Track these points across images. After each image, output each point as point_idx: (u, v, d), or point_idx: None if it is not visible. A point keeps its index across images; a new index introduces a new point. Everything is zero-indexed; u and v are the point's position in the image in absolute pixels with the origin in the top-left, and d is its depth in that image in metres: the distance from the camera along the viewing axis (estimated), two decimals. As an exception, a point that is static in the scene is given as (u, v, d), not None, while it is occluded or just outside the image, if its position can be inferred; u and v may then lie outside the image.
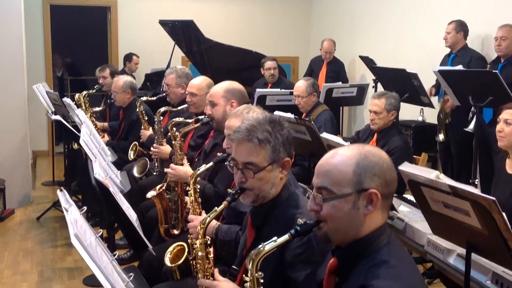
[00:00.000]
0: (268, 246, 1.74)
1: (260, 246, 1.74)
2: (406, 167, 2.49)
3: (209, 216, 2.28)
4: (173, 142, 3.67)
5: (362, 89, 6.99)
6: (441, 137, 5.50)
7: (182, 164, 3.50)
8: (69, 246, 4.91)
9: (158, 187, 3.44)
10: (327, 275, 1.73)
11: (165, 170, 3.48)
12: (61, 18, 9.29)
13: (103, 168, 3.20)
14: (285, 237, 1.72)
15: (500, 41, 5.06)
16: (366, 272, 1.59)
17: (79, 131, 4.80)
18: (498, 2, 5.58)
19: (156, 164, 4.40)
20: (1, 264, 4.54)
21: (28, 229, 5.39)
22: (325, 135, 3.79)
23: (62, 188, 2.26)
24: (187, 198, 3.36)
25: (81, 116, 4.33)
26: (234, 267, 2.30)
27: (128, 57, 8.43)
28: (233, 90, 3.53)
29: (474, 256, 2.42)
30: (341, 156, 1.67)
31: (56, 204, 5.75)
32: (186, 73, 4.81)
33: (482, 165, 4.94)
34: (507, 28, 5.04)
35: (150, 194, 3.40)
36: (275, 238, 1.74)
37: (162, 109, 4.36)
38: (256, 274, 1.76)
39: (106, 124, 5.90)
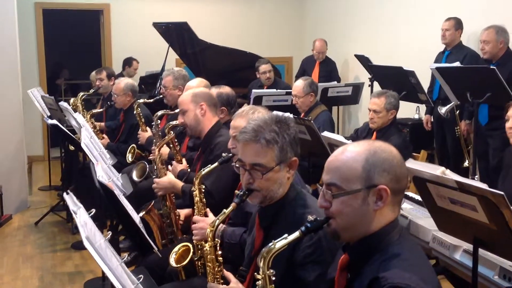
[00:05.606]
0: (279, 243, 1.71)
1: (271, 243, 1.72)
2: (411, 163, 2.50)
3: (218, 219, 2.27)
4: (170, 148, 3.66)
5: (357, 88, 7.01)
6: (466, 163, 5.20)
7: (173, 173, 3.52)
8: (69, 250, 4.89)
9: (146, 204, 3.35)
10: (339, 271, 1.72)
11: (153, 186, 3.46)
12: (53, 23, 9.24)
13: (105, 171, 3.19)
14: (296, 234, 1.70)
15: (484, 45, 4.91)
16: (378, 265, 1.59)
17: (75, 134, 4.79)
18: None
19: (155, 167, 4.39)
20: (1, 270, 4.51)
21: (26, 234, 5.35)
22: (326, 133, 3.79)
23: (69, 191, 2.24)
24: (179, 210, 3.37)
25: (80, 120, 4.30)
26: (242, 268, 2.29)
27: (128, 62, 8.25)
28: (200, 93, 3.54)
29: (480, 251, 2.41)
30: (351, 153, 1.67)
31: (54, 209, 5.72)
32: (183, 75, 4.83)
33: (480, 161, 4.96)
34: (488, 31, 4.88)
35: (140, 214, 3.27)
36: (285, 235, 1.72)
37: (160, 113, 4.33)
38: (268, 272, 1.75)
39: (103, 124, 5.86)
